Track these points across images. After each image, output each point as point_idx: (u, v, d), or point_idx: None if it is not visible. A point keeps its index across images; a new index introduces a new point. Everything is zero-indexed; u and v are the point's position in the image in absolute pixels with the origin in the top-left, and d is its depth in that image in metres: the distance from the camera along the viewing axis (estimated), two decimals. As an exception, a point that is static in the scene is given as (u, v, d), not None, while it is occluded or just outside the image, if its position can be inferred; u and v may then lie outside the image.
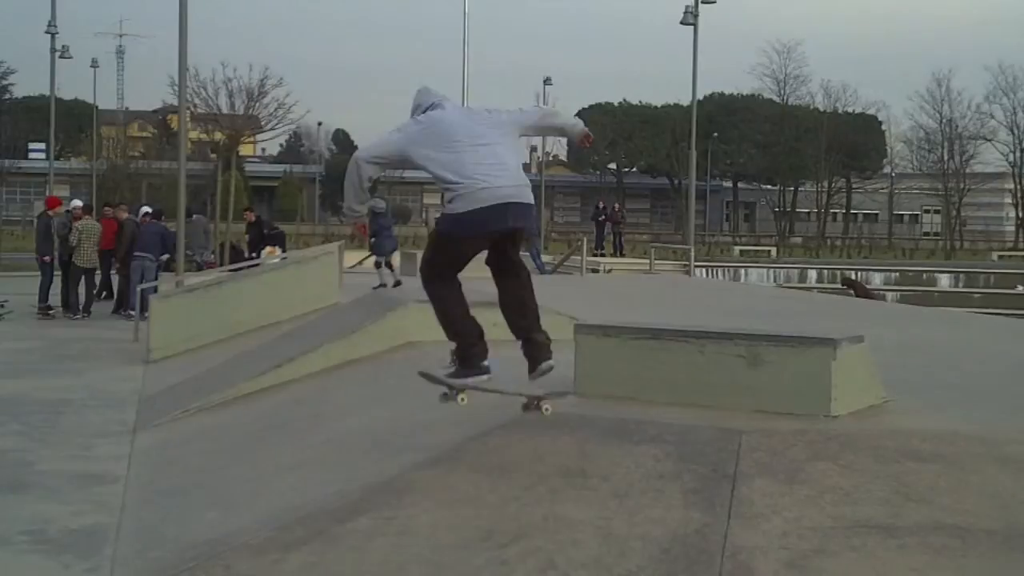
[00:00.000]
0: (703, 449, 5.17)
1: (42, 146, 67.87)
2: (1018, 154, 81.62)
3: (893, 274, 38.15)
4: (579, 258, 27.74)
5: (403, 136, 5.66)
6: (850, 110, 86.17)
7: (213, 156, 42.39)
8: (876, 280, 35.68)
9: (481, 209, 5.34)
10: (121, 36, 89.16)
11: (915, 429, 5.42)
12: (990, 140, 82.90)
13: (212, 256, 22.58)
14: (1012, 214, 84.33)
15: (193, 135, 39.58)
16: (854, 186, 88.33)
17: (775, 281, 35.13)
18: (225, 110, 28.80)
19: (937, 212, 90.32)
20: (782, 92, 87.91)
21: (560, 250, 36.87)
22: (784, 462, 5.03)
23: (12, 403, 9.73)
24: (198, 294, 13.66)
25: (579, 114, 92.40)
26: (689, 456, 5.14)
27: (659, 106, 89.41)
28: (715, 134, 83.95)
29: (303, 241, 44.06)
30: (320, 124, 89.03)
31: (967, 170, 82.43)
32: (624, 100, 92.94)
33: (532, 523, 4.85)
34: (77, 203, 19.14)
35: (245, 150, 57.92)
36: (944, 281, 38.11)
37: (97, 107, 67.08)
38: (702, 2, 33.71)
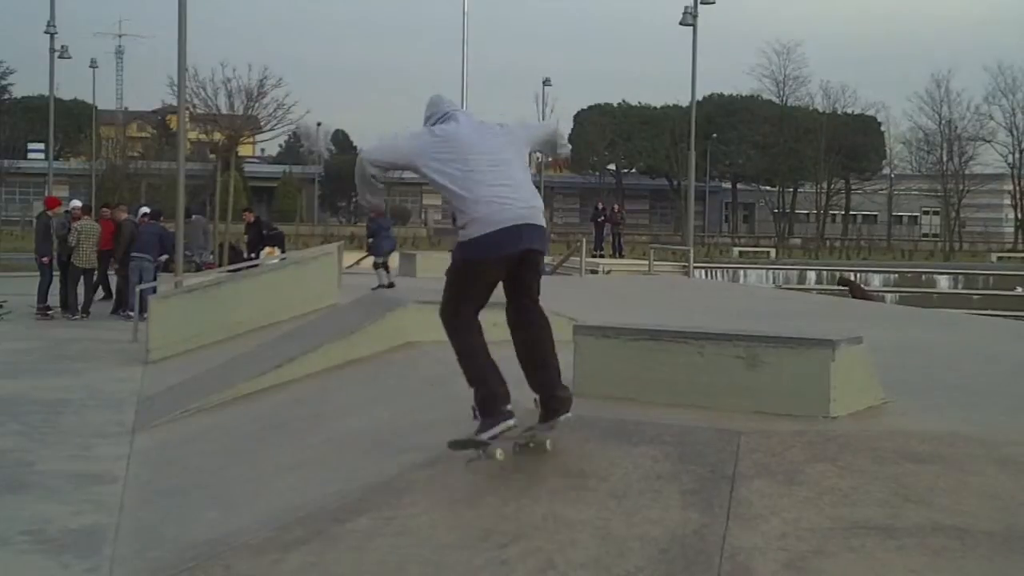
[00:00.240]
0: (702, 450, 5.18)
1: (41, 146, 67.97)
2: (1017, 155, 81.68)
3: (892, 275, 38.18)
4: (578, 259, 27.76)
5: (416, 145, 5.47)
6: (849, 111, 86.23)
7: (212, 156, 42.38)
8: (875, 281, 35.71)
9: (498, 231, 5.14)
10: (120, 36, 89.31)
11: (914, 430, 5.42)
12: (989, 141, 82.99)
13: (211, 257, 22.58)
14: (1011, 215, 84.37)
15: (192, 135, 39.55)
16: (853, 187, 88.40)
17: (774, 282, 35.16)
18: (224, 110, 28.80)
19: (936, 213, 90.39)
20: (781, 93, 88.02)
21: (559, 251, 36.89)
22: (783, 463, 5.03)
23: (11, 403, 9.73)
24: (197, 295, 13.66)
25: (578, 115, 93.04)
26: (688, 457, 5.15)
27: (658, 107, 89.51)
28: (714, 135, 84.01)
29: (302, 242, 43.99)
30: (319, 124, 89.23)
31: (966, 171, 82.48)
32: (623, 101, 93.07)
33: (531, 523, 4.86)
34: (76, 203, 19.14)
35: (244, 150, 57.90)
36: (943, 282, 38.14)
37: (96, 107, 67.14)
38: (701, 3, 33.74)
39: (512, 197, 5.24)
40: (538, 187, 5.65)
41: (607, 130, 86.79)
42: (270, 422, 7.84)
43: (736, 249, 62.90)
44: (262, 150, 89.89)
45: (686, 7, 33.70)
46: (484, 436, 5.18)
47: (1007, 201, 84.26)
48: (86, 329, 16.00)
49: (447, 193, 5.33)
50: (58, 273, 17.69)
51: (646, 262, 31.13)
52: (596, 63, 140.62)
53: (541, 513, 4.91)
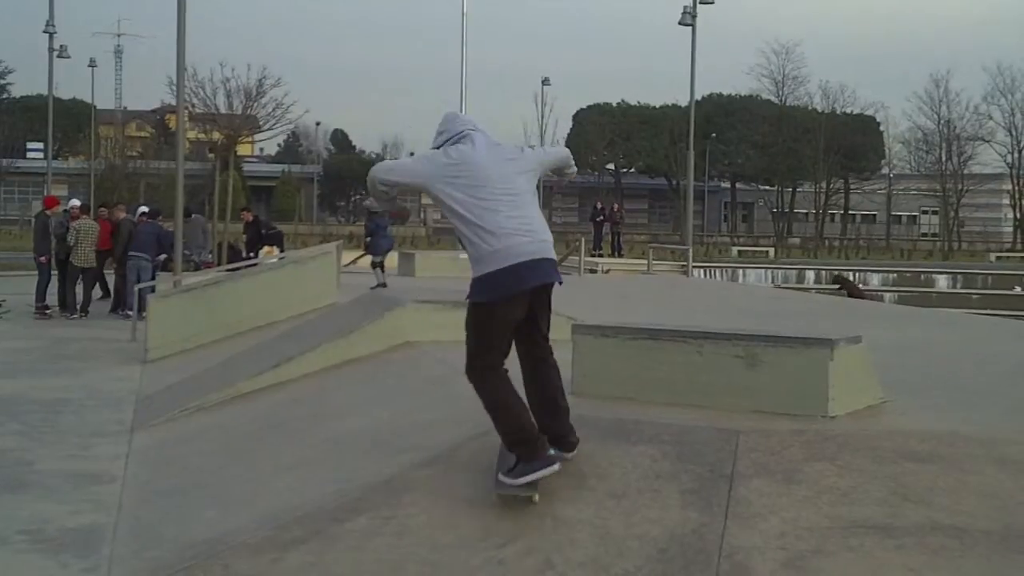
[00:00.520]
0: (700, 449, 5.18)
1: (40, 145, 68.01)
2: (1016, 155, 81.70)
3: (891, 275, 38.17)
4: (577, 258, 27.76)
5: (428, 168, 5.25)
6: (848, 111, 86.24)
7: (211, 156, 42.38)
8: (874, 281, 35.73)
9: (517, 265, 4.94)
10: (119, 36, 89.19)
11: (913, 430, 5.42)
12: (988, 141, 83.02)
13: (210, 256, 22.57)
14: (1010, 215, 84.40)
15: (191, 135, 39.57)
16: (852, 187, 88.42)
17: (773, 282, 35.14)
18: (223, 110, 28.74)
19: (935, 213, 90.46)
20: (780, 93, 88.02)
21: (558, 250, 36.77)
22: (781, 462, 5.03)
23: (10, 403, 9.72)
24: (196, 294, 13.65)
25: (577, 114, 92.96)
26: (686, 456, 5.15)
27: (657, 107, 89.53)
28: (713, 135, 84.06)
29: (301, 241, 44.04)
30: (318, 124, 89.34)
31: (965, 171, 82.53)
32: (622, 100, 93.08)
33: (529, 523, 4.86)
34: (75, 203, 19.11)
35: (243, 150, 57.82)
36: (942, 282, 38.12)
37: (95, 107, 67.13)
38: (700, 2, 33.75)
39: (529, 230, 5.06)
40: (536, 186, 5.54)
41: (606, 130, 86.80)
42: (269, 421, 7.84)
43: (735, 248, 62.90)
44: (261, 149, 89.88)
45: (685, 7, 33.71)
46: (526, 480, 4.92)
47: (1006, 201, 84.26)
48: (85, 328, 16.00)
49: (459, 221, 5.11)
50: (56, 272, 17.68)
51: (645, 261, 31.12)
52: (595, 63, 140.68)
53: (539, 513, 4.91)
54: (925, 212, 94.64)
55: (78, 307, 17.38)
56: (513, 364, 5.17)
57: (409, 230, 67.49)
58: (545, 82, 72.75)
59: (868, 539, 4.49)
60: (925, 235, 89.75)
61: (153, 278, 16.65)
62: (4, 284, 20.79)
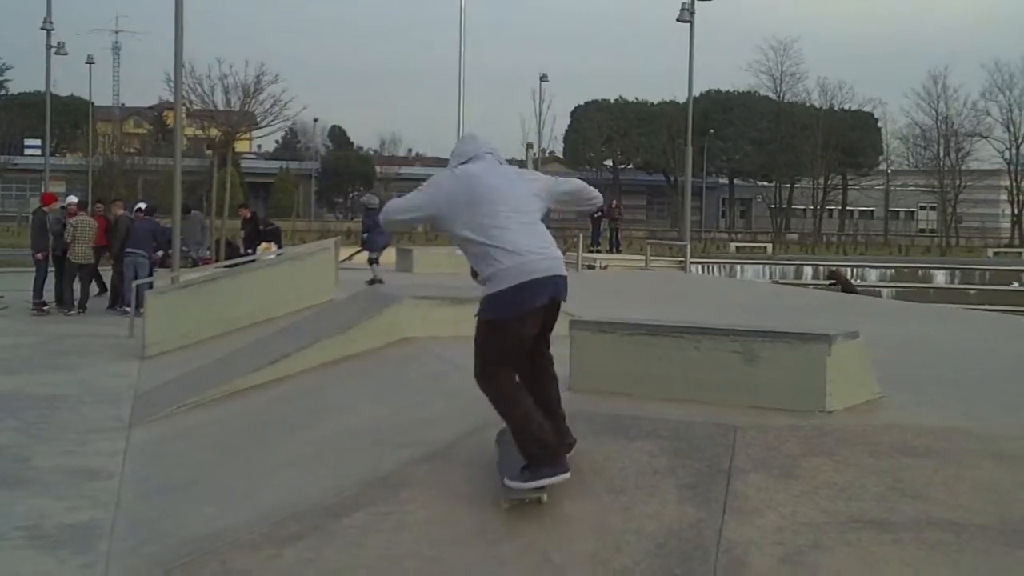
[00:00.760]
0: (698, 444, 5.18)
1: (38, 142, 68.05)
2: (1013, 151, 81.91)
3: (889, 271, 38.16)
4: (575, 254, 27.74)
5: (433, 196, 5.18)
6: (846, 107, 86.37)
7: (209, 152, 42.35)
8: (872, 277, 35.71)
9: (531, 282, 4.88)
10: (117, 33, 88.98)
11: (910, 425, 5.43)
12: (986, 137, 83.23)
13: (208, 252, 22.55)
14: (1007, 211, 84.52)
15: (189, 131, 39.52)
16: (850, 183, 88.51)
17: (771, 277, 35.17)
18: (221, 106, 28.71)
19: (933, 209, 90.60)
20: (778, 89, 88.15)
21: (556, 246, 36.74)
22: (779, 457, 5.04)
23: (7, 399, 9.71)
24: (193, 290, 13.64)
25: (575, 111, 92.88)
26: (684, 451, 5.15)
27: (655, 103, 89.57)
28: (711, 131, 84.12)
29: (299, 237, 44.05)
30: (316, 120, 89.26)
31: (963, 167, 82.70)
32: (620, 97, 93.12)
33: (527, 519, 4.86)
34: (72, 199, 19.08)
35: (241, 146, 57.80)
36: (940, 278, 38.15)
37: (93, 103, 67.02)
38: (698, -1, 33.70)
39: (541, 247, 5.02)
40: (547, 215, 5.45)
41: (604, 126, 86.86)
42: (267, 418, 7.84)
43: (733, 244, 62.99)
44: (259, 146, 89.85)
45: (683, 4, 33.68)
46: (536, 484, 4.85)
47: (1003, 197, 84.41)
48: (82, 324, 15.98)
49: (470, 244, 5.04)
50: (53, 269, 17.66)
51: (643, 257, 31.08)
52: (593, 59, 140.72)
53: (537, 509, 4.90)
54: (923, 208, 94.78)
55: (76, 303, 17.37)
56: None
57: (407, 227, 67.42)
58: (543, 78, 72.70)
59: (865, 534, 4.49)
60: (923, 231, 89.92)
61: (150, 274, 16.63)
62: (2, 280, 20.78)
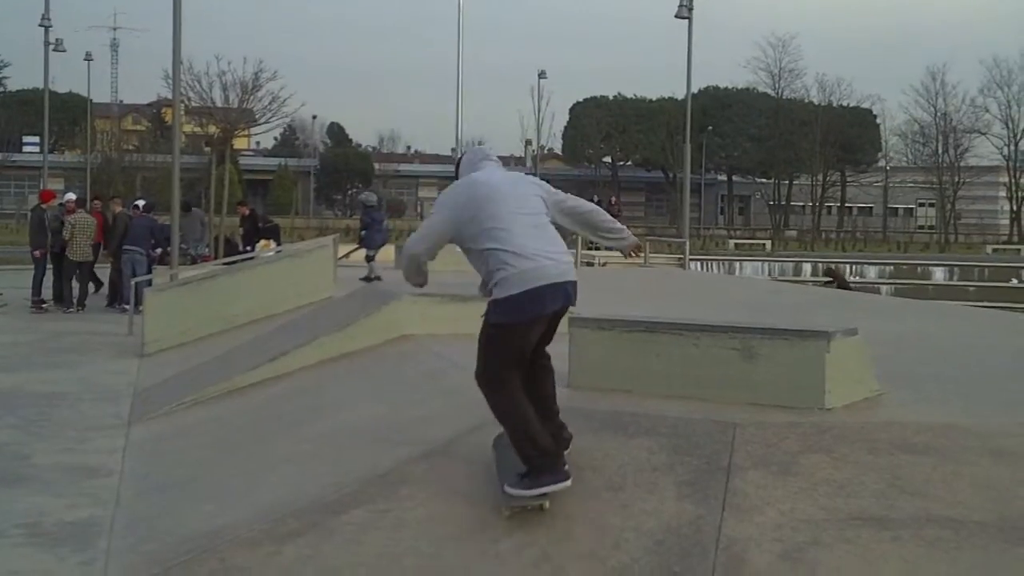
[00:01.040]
0: (697, 441, 5.18)
1: (36, 139, 67.96)
2: (1012, 147, 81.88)
3: (888, 267, 38.18)
4: (574, 251, 27.75)
5: (444, 215, 5.11)
6: (845, 104, 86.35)
7: (207, 149, 42.30)
8: (871, 273, 35.70)
9: (541, 287, 4.82)
10: (115, 29, 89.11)
11: (909, 421, 5.43)
12: (984, 134, 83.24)
13: (207, 249, 22.54)
14: (1006, 207, 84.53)
15: (187, 128, 39.46)
16: (849, 179, 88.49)
17: (770, 274, 35.17)
18: (219, 103, 28.70)
19: (932, 205, 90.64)
20: (777, 86, 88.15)
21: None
22: (778, 454, 5.04)
23: (7, 397, 9.71)
24: (193, 287, 13.64)
25: (574, 107, 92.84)
26: (683, 448, 5.15)
27: (654, 100, 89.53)
28: (710, 128, 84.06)
29: (298, 234, 44.02)
30: (315, 117, 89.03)
31: (961, 164, 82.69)
32: (619, 94, 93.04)
33: (526, 516, 4.86)
34: (70, 196, 19.06)
35: (240, 143, 57.74)
36: (939, 274, 38.13)
37: (91, 100, 66.97)
38: (696, -5, 33.65)
39: (551, 251, 4.95)
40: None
41: (603, 123, 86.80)
42: (266, 415, 7.84)
43: (732, 241, 63.00)
44: (257, 143, 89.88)
45: (682, 0, 33.65)
46: (538, 492, 4.82)
47: (1002, 193, 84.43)
48: (81, 322, 15.98)
49: (477, 252, 4.97)
50: (52, 266, 17.65)
51: (642, 254, 31.10)
52: (592, 57, 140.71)
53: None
54: (922, 204, 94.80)
55: (75, 301, 17.36)
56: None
57: (406, 224, 67.44)
58: (542, 75, 72.76)
59: (864, 531, 4.50)
60: (922, 227, 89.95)
61: (149, 271, 16.62)
62: (0, 278, 20.77)
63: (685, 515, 4.69)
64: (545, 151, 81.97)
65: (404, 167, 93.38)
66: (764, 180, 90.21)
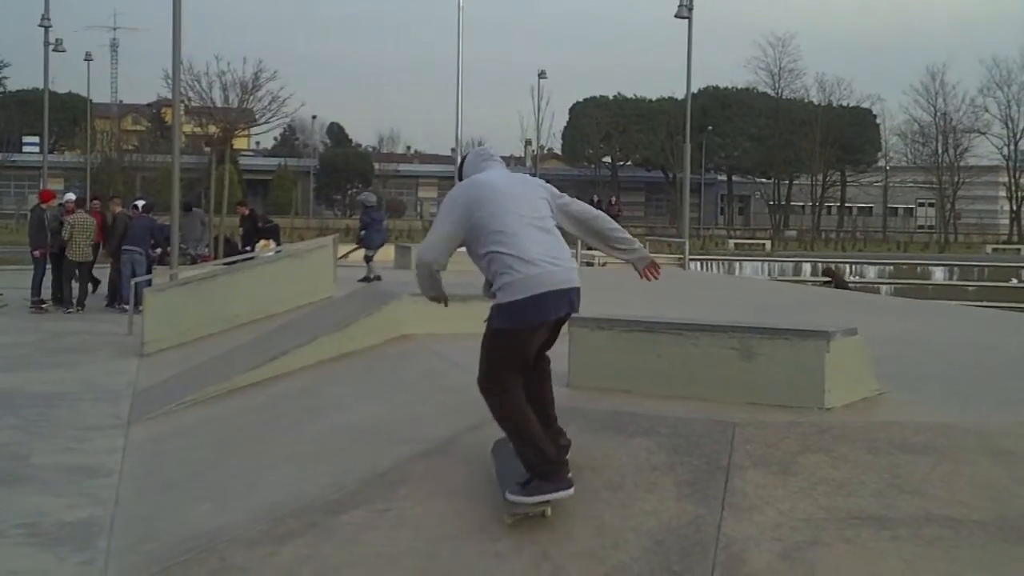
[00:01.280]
0: (696, 441, 5.18)
1: (36, 139, 67.95)
2: (1012, 147, 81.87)
3: (887, 267, 38.20)
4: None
5: (452, 218, 4.99)
6: (844, 104, 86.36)
7: (207, 149, 42.29)
8: (871, 273, 35.74)
9: (546, 294, 4.76)
10: (115, 30, 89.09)
11: (908, 421, 5.43)
12: (984, 133, 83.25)
13: (207, 249, 22.55)
14: (1006, 207, 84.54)
15: (187, 129, 39.46)
16: (848, 179, 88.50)
17: (770, 274, 35.18)
18: (219, 103, 28.71)
19: (931, 205, 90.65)
20: (776, 86, 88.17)
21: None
22: (777, 454, 5.04)
23: (6, 397, 9.72)
24: (192, 287, 13.64)
25: (574, 107, 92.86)
26: (682, 448, 5.15)
27: (654, 100, 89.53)
28: (710, 127, 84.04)
29: (297, 234, 44.01)
30: (315, 117, 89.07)
31: (961, 163, 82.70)
32: (619, 94, 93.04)
33: (526, 516, 4.86)
34: (70, 197, 19.06)
35: (239, 143, 57.73)
36: (938, 274, 38.18)
37: (91, 100, 66.97)
38: (696, -5, 33.66)
39: (556, 257, 4.88)
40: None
41: (603, 123, 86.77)
42: (265, 415, 7.84)
43: (732, 241, 63.01)
44: (257, 143, 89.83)
45: (681, 0, 33.65)
46: (540, 499, 4.77)
47: (1002, 193, 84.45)
48: (81, 322, 15.97)
49: (482, 256, 4.91)
50: (51, 266, 17.64)
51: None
52: (592, 56, 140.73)
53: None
54: (921, 204, 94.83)
55: (74, 301, 17.36)
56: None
57: (405, 223, 67.47)
58: (542, 75, 72.68)
59: (864, 530, 4.50)
60: (921, 227, 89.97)
61: (148, 271, 16.62)
62: (0, 278, 20.77)
63: (685, 515, 4.70)
64: (545, 151, 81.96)
65: (404, 167, 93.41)
66: (764, 180, 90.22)
